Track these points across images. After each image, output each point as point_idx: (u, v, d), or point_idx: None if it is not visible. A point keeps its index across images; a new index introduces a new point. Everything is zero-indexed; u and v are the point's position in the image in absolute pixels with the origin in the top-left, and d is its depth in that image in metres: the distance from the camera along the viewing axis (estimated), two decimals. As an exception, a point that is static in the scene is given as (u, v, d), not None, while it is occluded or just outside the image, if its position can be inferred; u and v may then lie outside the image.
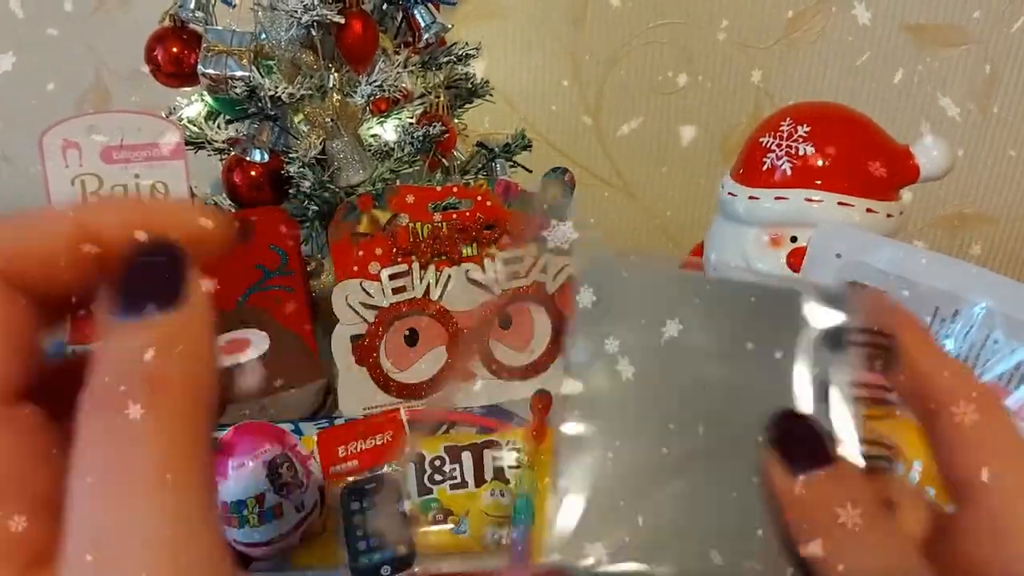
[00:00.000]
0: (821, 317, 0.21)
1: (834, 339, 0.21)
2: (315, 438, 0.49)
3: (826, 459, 0.20)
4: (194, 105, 0.64)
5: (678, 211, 0.92)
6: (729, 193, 0.58)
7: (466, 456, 0.49)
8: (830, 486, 0.20)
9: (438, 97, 0.63)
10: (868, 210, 0.53)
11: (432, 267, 0.57)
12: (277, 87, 0.56)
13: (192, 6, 0.59)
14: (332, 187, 0.59)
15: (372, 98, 0.59)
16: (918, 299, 0.42)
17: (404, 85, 0.60)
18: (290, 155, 0.58)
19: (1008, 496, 0.21)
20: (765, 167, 0.55)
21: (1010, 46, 0.80)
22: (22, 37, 0.86)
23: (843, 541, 0.19)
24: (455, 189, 0.58)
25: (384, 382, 0.57)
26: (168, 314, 0.17)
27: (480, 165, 0.66)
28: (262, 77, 0.57)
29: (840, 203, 0.53)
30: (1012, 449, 0.21)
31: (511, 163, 0.67)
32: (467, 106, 0.68)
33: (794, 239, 0.55)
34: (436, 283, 0.57)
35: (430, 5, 0.62)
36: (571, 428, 0.20)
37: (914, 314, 0.23)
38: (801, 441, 0.21)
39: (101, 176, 0.58)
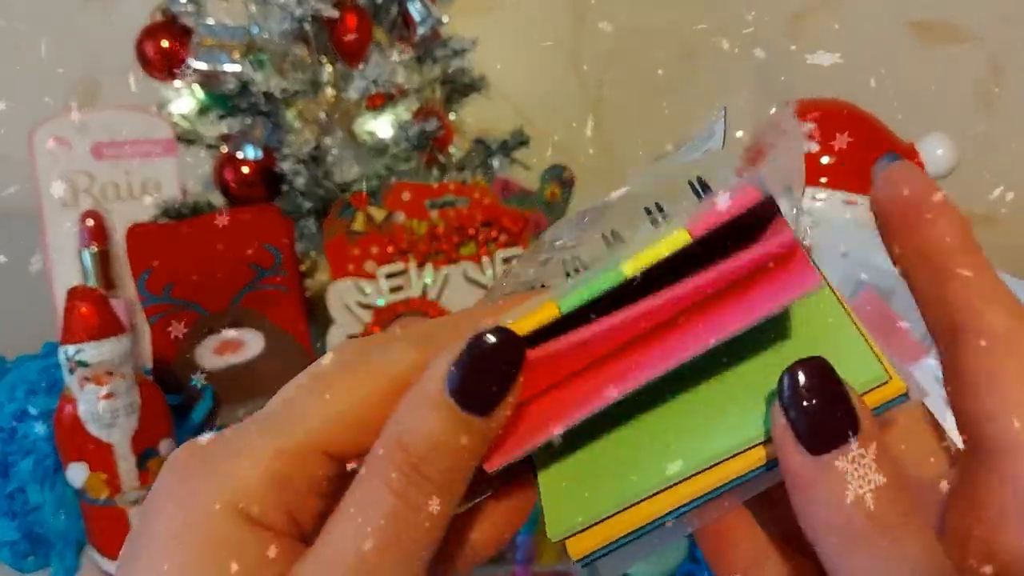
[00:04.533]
0: None
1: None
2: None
3: (852, 430, 0.16)
4: (185, 100, 0.63)
5: (677, 207, 0.91)
6: (731, 190, 0.57)
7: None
8: (855, 469, 0.16)
9: (433, 92, 0.62)
10: (872, 208, 0.52)
11: (429, 266, 0.56)
12: (270, 82, 0.55)
13: (183, -1, 0.58)
14: (326, 184, 0.58)
15: (366, 93, 0.58)
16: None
17: (399, 80, 0.59)
18: (283, 151, 0.58)
19: None
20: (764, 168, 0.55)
21: (1014, 42, 0.79)
22: (10, 31, 0.85)
23: (866, 540, 0.16)
24: (452, 186, 0.57)
25: (381, 383, 0.56)
26: (489, 416, 0.18)
27: (477, 162, 0.66)
28: (254, 72, 0.56)
29: (845, 201, 0.52)
30: None
31: (509, 160, 0.67)
32: (463, 101, 0.67)
33: (797, 237, 0.54)
34: (433, 282, 0.56)
35: (425, -2, 0.61)
36: None
37: (952, 206, 0.19)
38: (820, 411, 0.17)
39: (92, 173, 0.57)
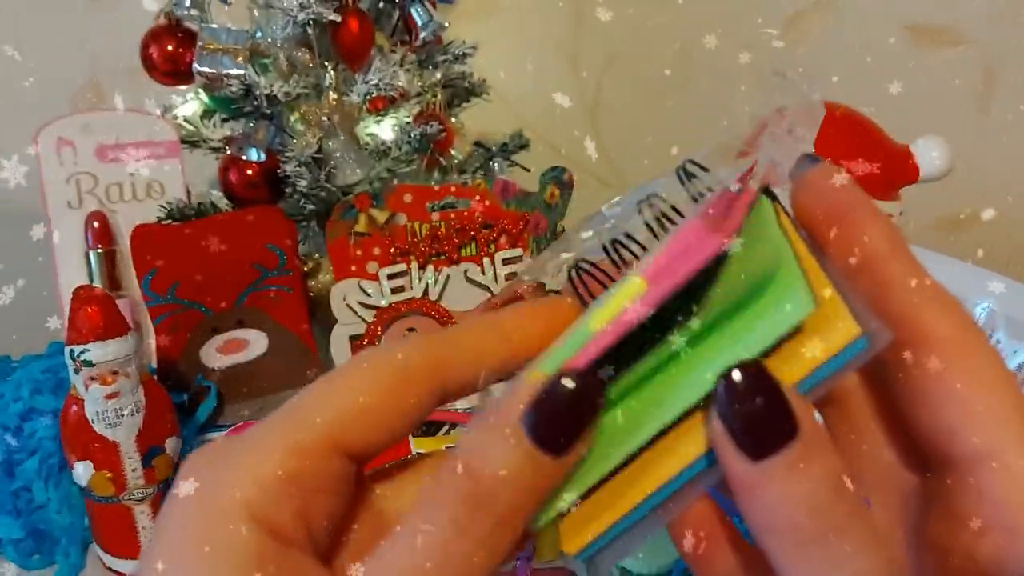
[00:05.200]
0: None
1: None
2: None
3: (791, 433, 0.16)
4: (190, 103, 0.63)
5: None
6: (728, 192, 0.57)
7: (465, 457, 0.49)
8: (795, 473, 0.16)
9: (435, 96, 0.63)
10: (867, 210, 0.53)
11: (431, 267, 0.57)
12: (273, 85, 0.56)
13: (187, 4, 0.59)
14: (329, 186, 0.59)
15: (368, 97, 0.58)
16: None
17: (400, 84, 0.60)
18: (286, 154, 0.58)
19: (1015, 477, 0.16)
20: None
21: (1009, 45, 0.80)
22: (15, 33, 0.86)
23: (809, 543, 0.16)
24: (453, 188, 0.58)
25: (382, 383, 0.57)
26: (561, 459, 0.17)
27: (478, 164, 0.66)
28: (258, 75, 0.56)
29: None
30: (1017, 413, 0.17)
31: (509, 162, 0.67)
32: (464, 105, 0.68)
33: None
34: (435, 283, 0.57)
35: (427, 3, 0.61)
36: None
37: (877, 209, 0.18)
38: (759, 414, 0.16)
39: (96, 175, 0.57)
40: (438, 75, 0.63)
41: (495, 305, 0.22)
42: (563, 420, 0.17)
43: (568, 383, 0.17)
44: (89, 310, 0.44)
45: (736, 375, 0.16)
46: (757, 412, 0.16)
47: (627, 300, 0.18)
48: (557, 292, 0.22)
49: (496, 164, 0.66)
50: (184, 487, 0.18)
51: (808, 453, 0.16)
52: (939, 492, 0.18)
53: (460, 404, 0.58)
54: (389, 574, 0.17)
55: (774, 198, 0.20)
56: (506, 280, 0.59)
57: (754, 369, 0.16)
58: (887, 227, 0.18)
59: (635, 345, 0.19)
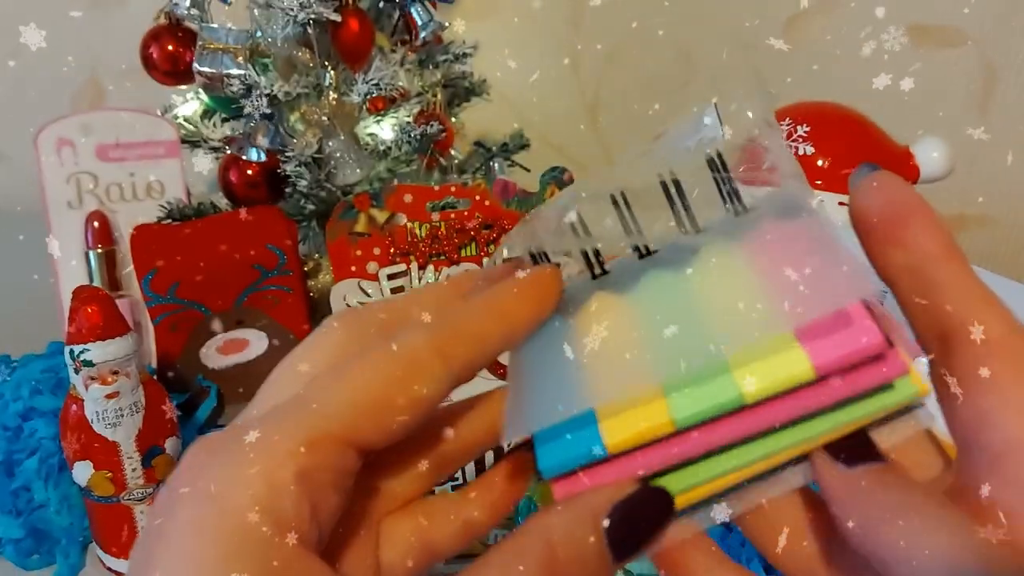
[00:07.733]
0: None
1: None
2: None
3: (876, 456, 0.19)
4: (190, 103, 0.63)
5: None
6: (728, 193, 0.57)
7: (465, 458, 0.49)
8: (880, 484, 0.18)
9: (435, 96, 0.63)
10: (868, 210, 0.53)
11: (431, 267, 0.57)
12: (273, 85, 0.56)
13: (187, 3, 0.59)
14: (329, 186, 0.59)
15: (368, 97, 0.58)
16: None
17: (401, 84, 0.60)
18: (286, 154, 0.58)
19: None
20: (765, 167, 0.55)
21: (1010, 46, 0.80)
22: (16, 34, 0.86)
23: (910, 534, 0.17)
24: (453, 189, 0.57)
25: (382, 383, 0.57)
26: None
27: (478, 164, 0.66)
28: (258, 75, 0.56)
29: (840, 203, 0.53)
30: None
31: (509, 162, 0.67)
32: (464, 104, 0.68)
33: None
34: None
35: (427, 3, 0.61)
36: None
37: (935, 215, 0.19)
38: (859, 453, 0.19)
39: (96, 175, 0.57)
40: (438, 75, 0.63)
41: (490, 278, 0.22)
42: (637, 534, 0.19)
43: (649, 497, 0.19)
44: (89, 310, 0.44)
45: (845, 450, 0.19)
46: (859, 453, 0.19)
47: (789, 380, 0.19)
48: (550, 262, 0.22)
49: (496, 164, 0.66)
50: (191, 484, 0.17)
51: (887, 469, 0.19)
52: (963, 488, 0.18)
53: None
54: None
55: None
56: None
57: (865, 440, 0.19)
58: (938, 227, 0.19)
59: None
